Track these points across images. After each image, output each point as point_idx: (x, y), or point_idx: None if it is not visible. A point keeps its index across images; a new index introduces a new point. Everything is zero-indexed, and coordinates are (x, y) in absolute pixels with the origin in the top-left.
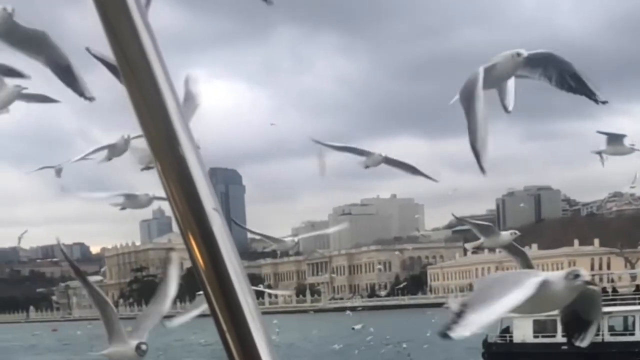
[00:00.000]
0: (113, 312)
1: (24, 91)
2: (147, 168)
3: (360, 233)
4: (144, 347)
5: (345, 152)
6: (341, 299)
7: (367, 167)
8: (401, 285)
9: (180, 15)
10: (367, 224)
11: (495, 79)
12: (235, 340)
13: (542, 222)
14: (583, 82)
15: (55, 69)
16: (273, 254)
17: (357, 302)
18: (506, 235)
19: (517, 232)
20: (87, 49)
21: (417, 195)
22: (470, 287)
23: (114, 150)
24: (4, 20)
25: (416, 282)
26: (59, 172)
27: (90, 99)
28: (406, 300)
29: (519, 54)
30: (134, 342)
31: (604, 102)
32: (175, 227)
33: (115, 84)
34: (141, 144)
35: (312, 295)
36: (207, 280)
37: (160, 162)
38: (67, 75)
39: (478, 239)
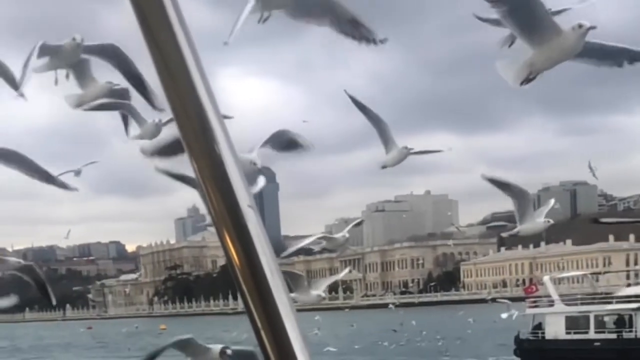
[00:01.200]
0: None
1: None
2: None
3: (394, 230)
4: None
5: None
6: (373, 295)
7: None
8: (433, 283)
9: (213, 13)
10: (400, 220)
11: None
12: (270, 337)
13: (578, 218)
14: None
15: (128, 79)
16: (306, 251)
17: (390, 298)
18: (540, 223)
19: (550, 220)
20: None
21: (452, 191)
22: (504, 284)
23: (145, 134)
24: (73, 49)
25: (449, 279)
26: (78, 173)
27: (160, 109)
28: (439, 296)
29: None
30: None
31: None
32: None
33: (150, 81)
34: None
35: (344, 292)
36: (242, 278)
37: (196, 160)
38: (139, 85)
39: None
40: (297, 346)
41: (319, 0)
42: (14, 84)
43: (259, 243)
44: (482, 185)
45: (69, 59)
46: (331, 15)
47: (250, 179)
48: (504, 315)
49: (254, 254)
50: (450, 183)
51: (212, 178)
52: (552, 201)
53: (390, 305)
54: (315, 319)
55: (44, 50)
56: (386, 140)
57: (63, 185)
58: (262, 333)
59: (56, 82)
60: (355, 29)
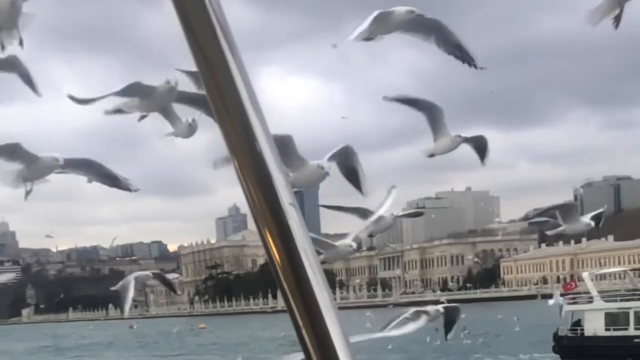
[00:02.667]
0: None
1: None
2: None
3: (434, 227)
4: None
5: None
6: (412, 293)
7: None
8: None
9: (254, 12)
10: (441, 217)
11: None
12: (311, 335)
13: (621, 213)
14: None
15: None
16: None
17: (429, 296)
18: (584, 224)
19: (593, 223)
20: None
21: (493, 187)
22: (544, 280)
23: (179, 133)
24: (168, 92)
25: (489, 276)
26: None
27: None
28: (478, 293)
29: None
30: None
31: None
32: (250, 224)
33: (191, 84)
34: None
35: (383, 289)
36: (283, 276)
37: (237, 158)
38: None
39: (554, 229)
40: (339, 344)
41: (427, 23)
42: (33, 86)
43: (300, 241)
44: (524, 181)
45: (161, 102)
46: (436, 36)
47: (315, 183)
48: (551, 302)
49: (295, 251)
50: (491, 179)
51: (254, 176)
52: (604, 207)
53: (440, 307)
54: (366, 314)
55: (135, 89)
56: (438, 127)
57: (127, 188)
58: (303, 331)
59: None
60: (459, 52)
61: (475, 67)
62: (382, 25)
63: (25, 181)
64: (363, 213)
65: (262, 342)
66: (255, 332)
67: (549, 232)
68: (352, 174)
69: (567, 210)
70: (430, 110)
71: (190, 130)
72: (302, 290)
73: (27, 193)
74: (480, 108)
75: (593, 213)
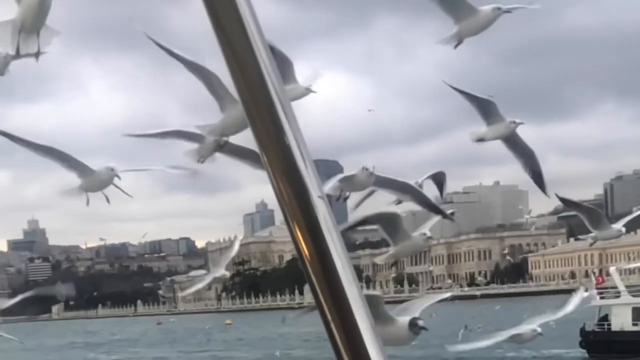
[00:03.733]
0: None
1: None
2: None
3: (462, 221)
4: (421, 322)
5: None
6: (439, 288)
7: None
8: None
9: (283, 8)
10: (469, 212)
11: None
12: (340, 330)
13: None
14: None
15: None
16: (372, 245)
17: (455, 291)
18: (615, 230)
19: (624, 230)
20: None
21: (522, 181)
22: (572, 275)
23: (202, 150)
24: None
25: (517, 270)
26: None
27: None
28: (506, 288)
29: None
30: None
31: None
32: (277, 220)
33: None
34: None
35: (410, 285)
36: (311, 270)
37: (266, 153)
38: None
39: (583, 223)
40: (368, 338)
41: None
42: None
43: (329, 234)
44: (553, 175)
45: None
46: None
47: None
48: (585, 293)
49: (324, 245)
50: (520, 173)
51: (282, 170)
52: (638, 212)
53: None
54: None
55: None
56: (490, 112)
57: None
58: (332, 325)
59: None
60: None
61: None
62: (468, 27)
63: (84, 191)
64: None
65: (288, 337)
66: (281, 328)
67: (581, 237)
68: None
69: (594, 217)
70: (481, 102)
71: (214, 146)
72: (331, 284)
73: (87, 202)
74: (509, 101)
75: (628, 218)
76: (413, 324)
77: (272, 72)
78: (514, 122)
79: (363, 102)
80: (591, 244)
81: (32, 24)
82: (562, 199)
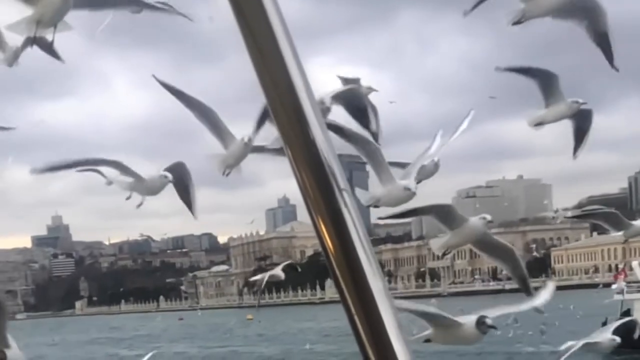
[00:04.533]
0: None
1: None
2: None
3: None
4: (489, 320)
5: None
6: (461, 283)
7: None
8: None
9: (305, 3)
10: (492, 206)
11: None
12: (364, 323)
13: None
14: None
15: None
16: (394, 239)
17: (478, 286)
18: (638, 227)
19: None
20: None
21: (545, 175)
22: (595, 269)
23: (230, 156)
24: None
25: (539, 265)
26: (109, 183)
27: None
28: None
29: None
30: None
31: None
32: (299, 215)
33: (241, 75)
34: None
35: (431, 280)
36: (336, 263)
37: (290, 147)
38: None
39: (609, 218)
40: (392, 332)
41: (582, 5)
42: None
43: (354, 227)
44: (577, 169)
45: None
46: (589, 21)
47: (399, 201)
48: (614, 286)
49: (348, 237)
50: (543, 167)
51: (306, 163)
52: None
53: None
54: (431, 301)
55: None
56: (552, 92)
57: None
58: (356, 319)
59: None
60: (603, 44)
61: (612, 66)
62: (536, 6)
63: (138, 193)
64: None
65: (308, 333)
66: (302, 323)
67: (613, 234)
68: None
69: (613, 220)
70: (543, 76)
71: (245, 149)
72: (355, 277)
73: (139, 205)
74: (533, 94)
75: None
76: (481, 322)
77: (296, 65)
78: (577, 102)
79: (385, 95)
80: (625, 241)
81: (51, 19)
82: (577, 216)
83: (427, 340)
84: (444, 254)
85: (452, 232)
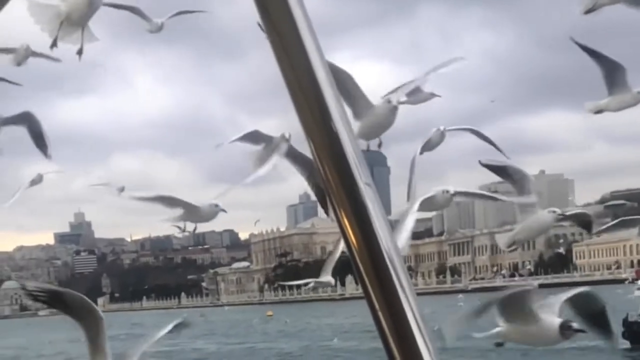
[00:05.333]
0: None
1: None
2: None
3: (507, 211)
4: (575, 325)
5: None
6: (482, 279)
7: None
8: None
9: None
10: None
11: None
12: (387, 318)
13: None
14: None
15: None
16: (414, 235)
17: (498, 282)
18: None
19: None
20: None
21: (568, 170)
22: (617, 265)
23: (269, 150)
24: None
25: (561, 260)
26: (121, 190)
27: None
28: (550, 279)
29: None
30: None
31: None
32: (320, 211)
33: (262, 70)
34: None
35: (452, 275)
36: (359, 257)
37: (313, 140)
38: None
39: (632, 213)
40: (416, 328)
41: None
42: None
43: (377, 220)
44: (600, 164)
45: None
46: None
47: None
48: None
49: (372, 231)
50: (566, 162)
51: (329, 157)
52: None
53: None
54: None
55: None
56: (617, 81)
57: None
58: (380, 314)
59: None
60: None
61: None
62: None
63: (191, 222)
64: None
65: (327, 329)
66: (321, 320)
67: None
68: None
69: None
70: (609, 64)
71: (285, 144)
72: (379, 272)
73: (193, 231)
74: (556, 89)
75: None
76: (565, 326)
77: (320, 59)
78: None
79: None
80: None
81: (78, 20)
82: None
83: (499, 344)
84: (511, 249)
85: (520, 225)
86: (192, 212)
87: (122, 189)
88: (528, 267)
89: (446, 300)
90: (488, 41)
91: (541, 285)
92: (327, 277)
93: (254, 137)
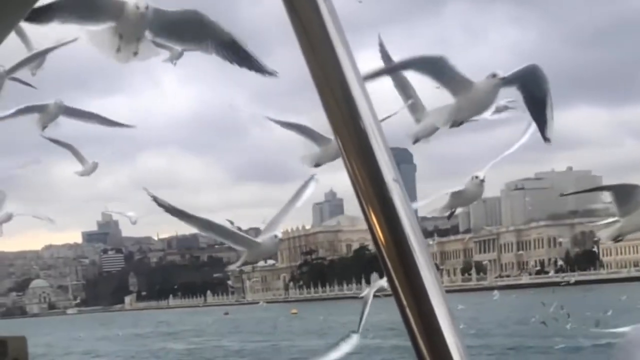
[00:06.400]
0: None
1: None
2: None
3: (534, 208)
4: None
5: None
6: (507, 276)
7: None
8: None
9: None
10: (541, 198)
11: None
12: (415, 314)
13: None
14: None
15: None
16: (440, 232)
17: (524, 279)
18: None
19: None
20: None
21: (596, 166)
22: None
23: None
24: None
25: (587, 258)
26: (134, 221)
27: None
28: (576, 276)
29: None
30: None
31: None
32: (346, 209)
33: (288, 68)
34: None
35: (477, 273)
36: (386, 253)
37: (341, 137)
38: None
39: None
40: (445, 324)
41: None
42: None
43: (405, 217)
44: (630, 160)
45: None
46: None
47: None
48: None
49: (400, 228)
50: (594, 158)
51: (357, 153)
52: None
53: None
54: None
55: None
56: None
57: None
58: (408, 311)
59: None
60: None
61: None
62: None
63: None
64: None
65: (350, 327)
66: (345, 317)
67: None
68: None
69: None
70: None
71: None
72: (407, 268)
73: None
74: (584, 84)
75: None
76: None
77: (347, 55)
78: None
79: (433, 88)
80: None
81: (132, 34)
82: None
83: None
84: (616, 241)
85: (626, 218)
86: (252, 247)
87: (135, 221)
88: (560, 263)
89: (473, 298)
90: (514, 37)
91: (569, 284)
92: (381, 283)
93: (302, 129)
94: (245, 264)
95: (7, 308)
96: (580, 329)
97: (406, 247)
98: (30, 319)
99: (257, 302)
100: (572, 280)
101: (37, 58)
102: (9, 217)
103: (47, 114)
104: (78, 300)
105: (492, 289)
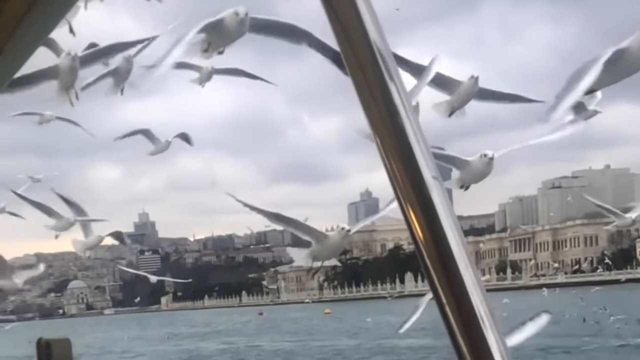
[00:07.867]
0: None
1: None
2: None
3: (571, 206)
4: None
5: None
6: (543, 275)
7: None
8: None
9: None
10: (578, 196)
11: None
12: (455, 312)
13: None
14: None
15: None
16: (476, 232)
17: (560, 278)
18: None
19: None
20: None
21: (634, 164)
22: None
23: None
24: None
25: (624, 257)
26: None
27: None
28: (612, 275)
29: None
30: None
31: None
32: (382, 208)
33: (324, 71)
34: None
35: (513, 272)
36: (426, 251)
37: (379, 135)
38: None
39: None
40: (486, 322)
41: None
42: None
43: (444, 215)
44: None
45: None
46: None
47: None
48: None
49: (439, 226)
50: (633, 156)
51: (396, 151)
52: None
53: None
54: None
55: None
56: None
57: None
58: (447, 308)
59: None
60: None
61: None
62: None
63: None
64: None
65: (383, 327)
66: (378, 317)
67: None
68: None
69: None
70: None
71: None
72: (446, 266)
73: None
74: (623, 81)
75: None
76: None
77: (386, 54)
78: None
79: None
80: None
81: (222, 42)
82: None
83: None
84: None
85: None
86: (320, 240)
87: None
88: (603, 260)
89: (509, 296)
90: (552, 35)
91: (604, 282)
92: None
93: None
94: (314, 259)
95: (46, 308)
96: (633, 329)
97: (446, 245)
98: (68, 320)
99: (295, 302)
100: (623, 278)
101: (111, 53)
102: (70, 225)
103: (119, 75)
104: (115, 300)
105: (527, 288)
